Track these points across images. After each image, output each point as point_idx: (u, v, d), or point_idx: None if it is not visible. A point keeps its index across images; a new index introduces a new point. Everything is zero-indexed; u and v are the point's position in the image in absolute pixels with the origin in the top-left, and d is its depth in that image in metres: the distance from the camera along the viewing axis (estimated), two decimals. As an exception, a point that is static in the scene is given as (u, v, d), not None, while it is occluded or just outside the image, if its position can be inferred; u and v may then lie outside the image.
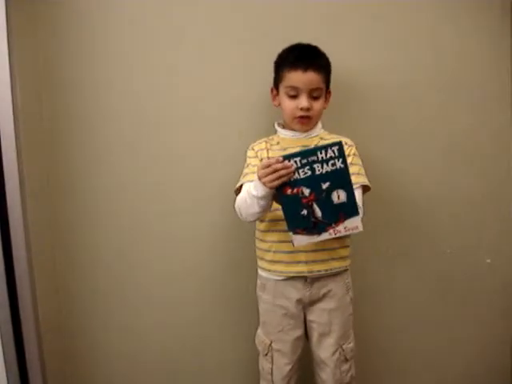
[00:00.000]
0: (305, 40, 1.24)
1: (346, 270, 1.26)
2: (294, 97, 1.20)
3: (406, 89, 1.43)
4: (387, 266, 1.50)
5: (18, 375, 1.29)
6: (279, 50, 1.25)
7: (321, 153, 0.98)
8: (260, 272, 1.28)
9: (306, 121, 1.21)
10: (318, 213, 1.02)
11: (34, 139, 1.34)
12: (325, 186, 1.00)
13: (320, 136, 1.25)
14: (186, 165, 1.42)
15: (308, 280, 1.21)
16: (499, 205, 1.50)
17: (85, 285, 1.45)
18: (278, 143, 1.26)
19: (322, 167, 0.99)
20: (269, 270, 1.24)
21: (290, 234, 1.05)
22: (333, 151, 0.97)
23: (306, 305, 1.23)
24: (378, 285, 1.50)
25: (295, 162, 0.98)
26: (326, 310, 1.23)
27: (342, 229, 1.04)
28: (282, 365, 1.25)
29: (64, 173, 1.40)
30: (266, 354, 1.26)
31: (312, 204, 1.01)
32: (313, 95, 1.19)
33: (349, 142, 1.24)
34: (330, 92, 1.26)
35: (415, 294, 1.52)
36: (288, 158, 0.99)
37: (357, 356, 1.28)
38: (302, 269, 1.19)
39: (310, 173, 0.98)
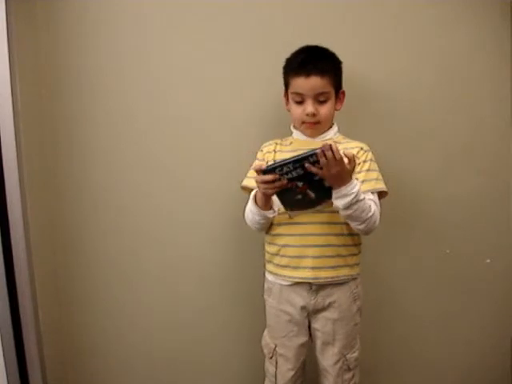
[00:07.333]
0: (314, 42, 1.22)
1: (354, 279, 1.23)
2: (300, 103, 1.19)
3: (406, 90, 1.43)
4: (386, 266, 1.50)
5: (18, 376, 1.29)
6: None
7: (311, 157, 1.03)
8: (267, 275, 1.28)
9: (314, 126, 1.20)
10: (312, 195, 1.10)
11: (34, 139, 1.34)
12: (316, 177, 1.06)
13: (334, 140, 1.21)
14: (196, 165, 1.42)
15: (313, 288, 1.19)
16: (499, 205, 1.50)
17: (85, 285, 1.44)
18: (290, 143, 1.25)
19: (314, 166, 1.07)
20: (275, 274, 1.23)
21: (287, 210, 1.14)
22: (317, 156, 1.05)
23: (310, 312, 1.22)
24: (376, 284, 1.50)
25: (288, 167, 1.03)
26: (330, 320, 1.21)
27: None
28: (285, 370, 1.25)
29: (64, 172, 1.40)
30: (271, 358, 1.27)
31: (306, 190, 1.09)
32: (319, 100, 1.18)
33: (365, 147, 1.22)
34: (343, 92, 1.25)
35: (414, 293, 1.52)
36: (282, 165, 1.03)
37: (360, 358, 1.28)
38: (306, 274, 1.18)
39: (302, 172, 1.05)
